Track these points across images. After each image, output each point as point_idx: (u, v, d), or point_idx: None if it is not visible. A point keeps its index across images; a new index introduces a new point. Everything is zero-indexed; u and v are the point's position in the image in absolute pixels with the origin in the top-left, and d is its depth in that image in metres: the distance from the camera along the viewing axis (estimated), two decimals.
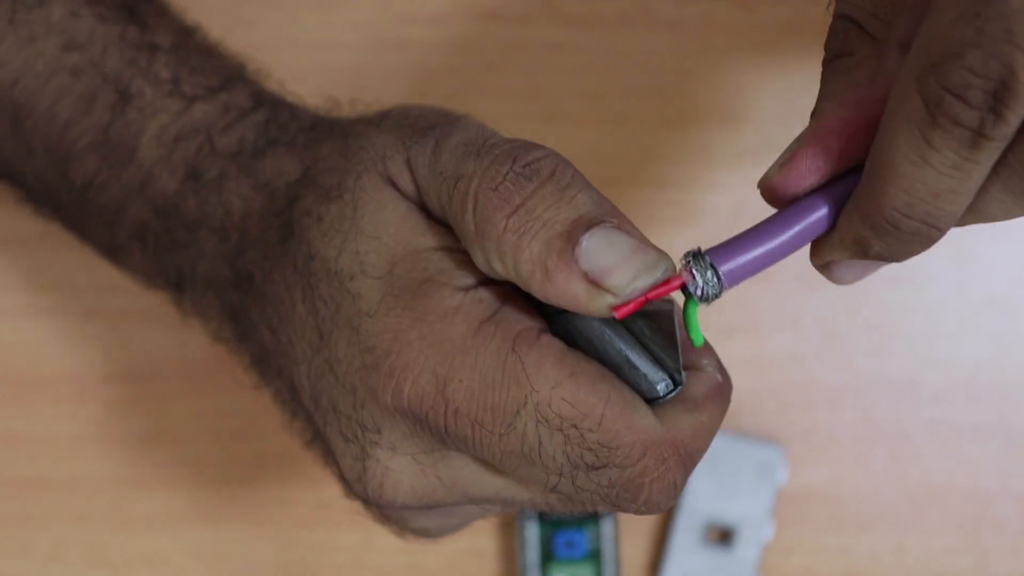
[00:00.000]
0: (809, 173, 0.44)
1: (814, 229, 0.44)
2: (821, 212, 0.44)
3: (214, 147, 0.54)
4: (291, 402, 0.53)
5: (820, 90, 0.45)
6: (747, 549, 0.68)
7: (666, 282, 0.44)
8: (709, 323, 0.69)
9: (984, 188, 0.42)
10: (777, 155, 0.45)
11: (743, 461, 0.67)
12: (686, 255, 0.44)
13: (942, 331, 0.69)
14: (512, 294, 0.46)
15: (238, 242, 0.53)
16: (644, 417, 0.45)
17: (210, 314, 0.55)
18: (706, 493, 0.68)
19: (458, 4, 0.68)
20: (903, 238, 0.43)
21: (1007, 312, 0.69)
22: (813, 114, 0.45)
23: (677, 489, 0.46)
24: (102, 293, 0.68)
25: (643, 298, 0.43)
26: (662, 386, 0.45)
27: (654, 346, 0.46)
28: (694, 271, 0.44)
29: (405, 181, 0.48)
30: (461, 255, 0.47)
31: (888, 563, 0.69)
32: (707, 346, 0.48)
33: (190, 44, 0.57)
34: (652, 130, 0.68)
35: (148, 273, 0.57)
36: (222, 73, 0.57)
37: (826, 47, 0.45)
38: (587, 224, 0.44)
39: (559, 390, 0.44)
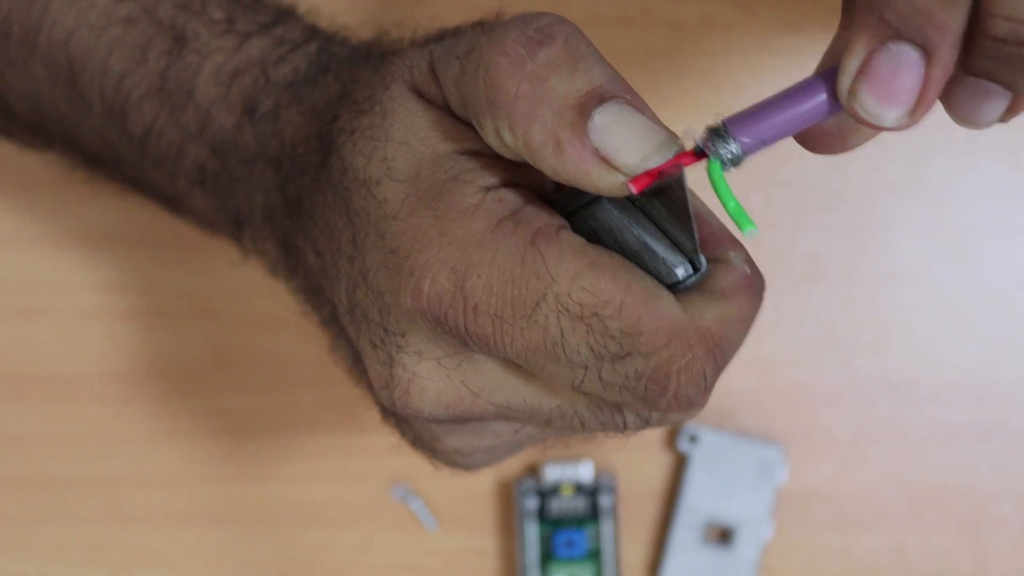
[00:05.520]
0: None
1: (819, 86, 0.42)
2: (828, 77, 0.42)
3: (269, 78, 0.54)
4: (333, 325, 0.52)
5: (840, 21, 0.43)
6: (747, 549, 0.68)
7: (680, 155, 0.43)
8: None
9: None
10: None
11: (743, 461, 0.67)
12: (705, 128, 0.43)
13: (942, 331, 0.69)
14: (533, 196, 0.45)
15: (288, 169, 0.52)
16: (667, 304, 0.43)
17: (267, 249, 0.55)
18: (706, 492, 0.68)
19: (458, 4, 0.68)
20: None
21: (1007, 312, 0.69)
22: (829, 45, 0.43)
23: (707, 380, 0.44)
24: (102, 293, 0.69)
25: (657, 170, 0.42)
26: (681, 270, 0.44)
27: (674, 230, 0.44)
28: (711, 140, 0.43)
29: (430, 85, 0.47)
30: (486, 157, 0.45)
31: (888, 562, 0.69)
32: (734, 241, 0.46)
33: None
34: None
35: (209, 217, 0.57)
36: (274, 10, 0.56)
37: None
38: (600, 98, 0.43)
39: (579, 280, 0.43)
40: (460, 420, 0.47)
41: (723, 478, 0.67)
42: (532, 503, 0.67)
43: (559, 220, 0.45)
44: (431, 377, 0.46)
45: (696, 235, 0.44)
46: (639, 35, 0.68)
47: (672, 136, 0.43)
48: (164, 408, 0.68)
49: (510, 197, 0.45)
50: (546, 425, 0.48)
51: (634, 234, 0.44)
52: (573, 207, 0.45)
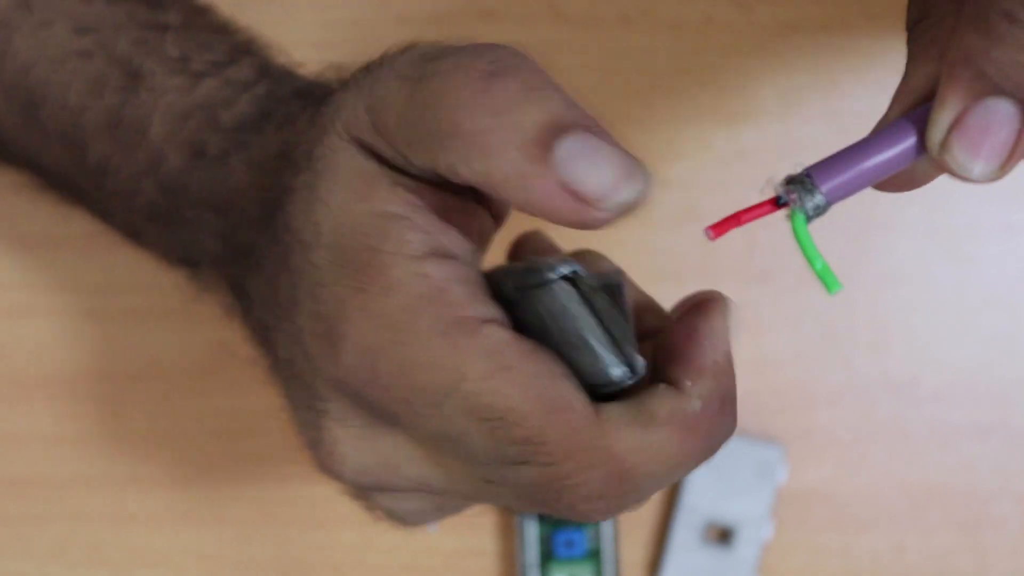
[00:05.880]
0: None
1: (908, 130, 0.42)
2: (916, 120, 0.42)
3: (217, 123, 0.53)
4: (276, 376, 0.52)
5: (907, 60, 0.43)
6: (747, 548, 0.68)
7: (761, 204, 0.42)
8: None
9: None
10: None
11: (743, 460, 0.67)
12: (787, 177, 0.42)
13: (942, 331, 0.69)
14: (466, 273, 0.43)
15: (235, 219, 0.52)
16: (576, 418, 0.42)
17: (221, 293, 0.55)
18: (706, 492, 0.68)
19: (458, 4, 0.68)
20: (1020, 40, 0.39)
21: (1007, 312, 0.69)
22: (902, 80, 0.43)
23: (606, 503, 0.42)
24: (102, 293, 0.68)
25: (740, 215, 0.42)
26: (616, 371, 0.42)
27: (615, 329, 0.43)
28: (794, 190, 0.42)
29: (366, 130, 0.44)
30: (417, 222, 0.43)
31: (888, 563, 0.69)
32: (712, 371, 0.44)
33: (200, 22, 0.57)
34: (652, 130, 0.68)
35: (166, 253, 0.57)
36: (230, 47, 0.55)
37: (907, 20, 0.43)
38: (560, 129, 0.40)
39: (490, 382, 0.41)
40: (378, 488, 0.47)
41: (723, 478, 0.67)
42: None
43: (484, 310, 0.43)
44: (351, 445, 0.46)
45: (633, 335, 0.42)
46: (639, 35, 0.68)
47: (638, 163, 0.41)
48: (164, 408, 0.68)
49: (435, 272, 0.43)
50: (461, 497, 0.47)
51: (576, 326, 0.42)
52: (523, 286, 0.43)
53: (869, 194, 0.69)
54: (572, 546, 0.67)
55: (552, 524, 0.67)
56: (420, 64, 0.42)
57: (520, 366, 0.42)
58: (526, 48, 0.69)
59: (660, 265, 0.69)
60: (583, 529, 0.67)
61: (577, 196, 0.40)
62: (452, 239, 0.44)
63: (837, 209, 0.69)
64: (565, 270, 0.42)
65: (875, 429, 0.69)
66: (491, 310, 0.43)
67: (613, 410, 0.42)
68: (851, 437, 0.69)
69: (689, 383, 0.43)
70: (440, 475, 0.45)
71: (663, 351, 0.44)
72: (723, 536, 0.68)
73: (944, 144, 0.41)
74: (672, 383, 0.43)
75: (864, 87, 0.68)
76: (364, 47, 0.69)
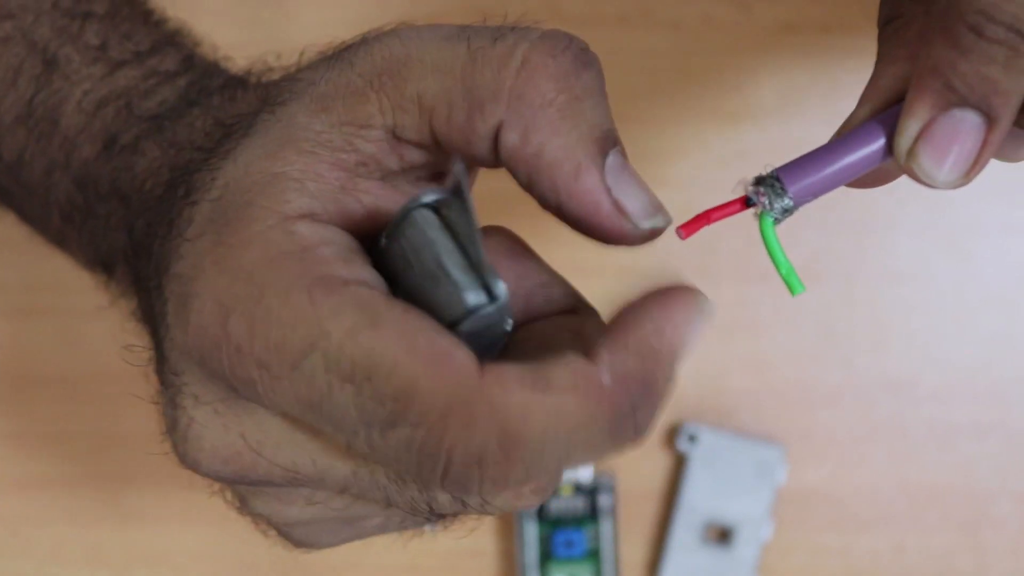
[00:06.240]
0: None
1: (877, 133, 0.43)
2: (884, 123, 0.43)
3: (132, 111, 0.51)
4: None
5: (876, 59, 0.44)
6: (746, 548, 0.68)
7: (730, 203, 0.43)
8: (710, 322, 0.69)
9: None
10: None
11: (742, 460, 0.67)
12: (756, 178, 0.43)
13: (941, 330, 0.69)
14: (343, 239, 0.40)
15: (137, 205, 0.49)
16: (458, 369, 0.37)
17: (130, 292, 0.50)
18: (705, 492, 0.68)
19: (458, 4, 0.68)
20: (986, 53, 0.39)
21: (1006, 311, 0.69)
22: (870, 80, 0.43)
23: (494, 475, 0.37)
24: (102, 293, 0.68)
25: (708, 214, 0.43)
26: (471, 295, 0.38)
27: (472, 251, 0.39)
28: (761, 189, 0.43)
29: (347, 90, 0.42)
30: (305, 184, 0.41)
31: (887, 562, 0.69)
32: (641, 353, 0.38)
33: (125, 12, 0.54)
34: (652, 130, 0.68)
35: (85, 257, 0.54)
36: (154, 38, 0.53)
37: (878, 20, 0.44)
38: (614, 140, 0.41)
39: (354, 335, 0.37)
40: (245, 480, 0.42)
41: (722, 478, 0.67)
42: None
43: (355, 272, 0.39)
44: (207, 425, 0.41)
45: (483, 256, 0.38)
46: (639, 35, 0.68)
47: (659, 202, 0.41)
48: None
49: (307, 232, 0.40)
50: (345, 495, 0.43)
51: (434, 253, 0.39)
52: (391, 231, 0.40)
53: (868, 194, 0.69)
54: (572, 546, 0.67)
55: (551, 524, 0.67)
56: (490, 32, 0.41)
57: (390, 321, 0.37)
58: None
59: (660, 265, 0.69)
60: (583, 529, 0.67)
61: (619, 206, 0.40)
62: (340, 209, 0.41)
63: (836, 209, 0.69)
64: (427, 199, 0.39)
65: (875, 429, 0.69)
66: (364, 274, 0.39)
67: (503, 367, 0.37)
68: (851, 437, 0.69)
69: (606, 354, 0.38)
70: (307, 457, 0.41)
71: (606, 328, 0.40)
72: (723, 536, 0.68)
73: (911, 152, 0.42)
74: (591, 355, 0.38)
75: (864, 87, 0.68)
76: None
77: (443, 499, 0.41)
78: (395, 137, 0.42)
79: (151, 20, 0.55)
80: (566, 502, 0.67)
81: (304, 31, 0.68)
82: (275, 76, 0.48)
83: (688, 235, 0.43)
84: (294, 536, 0.46)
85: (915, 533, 0.69)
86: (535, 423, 0.36)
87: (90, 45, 0.53)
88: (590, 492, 0.67)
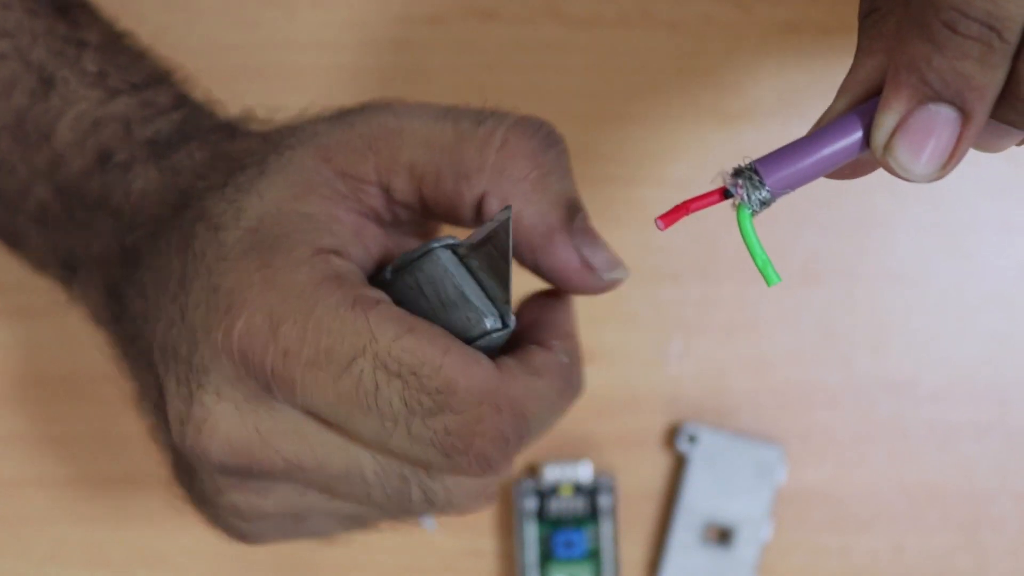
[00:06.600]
0: None
1: (855, 125, 0.43)
2: (861, 115, 0.43)
3: (131, 135, 0.55)
4: (145, 373, 0.53)
5: (856, 51, 0.44)
6: (746, 549, 0.68)
7: (708, 194, 0.44)
8: (710, 322, 0.69)
9: None
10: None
11: (742, 460, 0.67)
12: (734, 169, 0.43)
13: (941, 330, 0.69)
14: (359, 271, 0.48)
15: (130, 220, 0.54)
16: (483, 369, 0.46)
17: (94, 296, 0.56)
18: (705, 492, 0.68)
19: (457, 4, 0.68)
20: (960, 49, 0.40)
21: (1006, 310, 0.69)
22: (849, 72, 0.44)
23: (509, 446, 0.46)
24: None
25: (686, 205, 0.44)
26: (490, 321, 0.47)
27: (491, 287, 0.47)
28: (740, 180, 0.43)
29: (345, 149, 0.50)
30: (330, 226, 0.48)
31: (887, 563, 0.69)
32: (567, 336, 0.50)
33: (119, 45, 0.58)
34: (652, 130, 0.68)
35: (42, 257, 0.58)
36: (149, 72, 0.58)
37: (859, 12, 0.45)
38: (578, 207, 0.50)
39: (400, 341, 0.45)
40: (245, 472, 0.48)
41: (722, 478, 0.67)
42: (531, 503, 0.67)
43: (377, 294, 0.47)
44: (225, 418, 0.47)
45: (510, 292, 0.47)
46: (639, 35, 0.68)
47: (619, 258, 0.50)
48: None
49: (338, 262, 0.47)
50: (330, 493, 0.49)
51: (455, 284, 0.47)
52: (405, 263, 0.48)
53: (868, 194, 0.69)
54: (572, 546, 0.67)
55: (551, 524, 0.67)
56: (473, 114, 0.50)
57: (424, 330, 0.46)
58: (526, 48, 0.69)
59: (660, 265, 0.69)
60: (583, 529, 0.67)
61: (586, 262, 0.50)
62: (356, 249, 0.49)
63: (836, 209, 0.69)
64: (446, 243, 0.48)
65: (874, 429, 0.69)
66: (381, 295, 0.47)
67: (507, 362, 0.48)
68: (850, 437, 0.69)
69: (556, 343, 0.49)
70: (322, 448, 0.47)
71: (524, 325, 0.51)
72: (723, 536, 0.68)
73: (887, 146, 0.43)
74: (540, 345, 0.49)
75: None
76: (364, 47, 0.69)
77: (416, 493, 0.48)
78: (387, 196, 0.50)
79: (145, 56, 0.58)
80: (566, 502, 0.67)
81: (304, 31, 0.68)
82: (269, 125, 0.54)
83: (667, 225, 0.44)
84: (246, 529, 0.52)
85: (915, 533, 0.69)
86: (534, 405, 0.47)
87: (88, 71, 0.56)
88: (590, 492, 0.67)
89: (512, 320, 0.47)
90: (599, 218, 0.68)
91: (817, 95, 0.68)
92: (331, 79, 0.68)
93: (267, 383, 0.46)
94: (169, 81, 0.58)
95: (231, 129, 0.56)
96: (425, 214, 0.51)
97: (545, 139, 0.49)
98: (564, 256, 0.49)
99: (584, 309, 0.69)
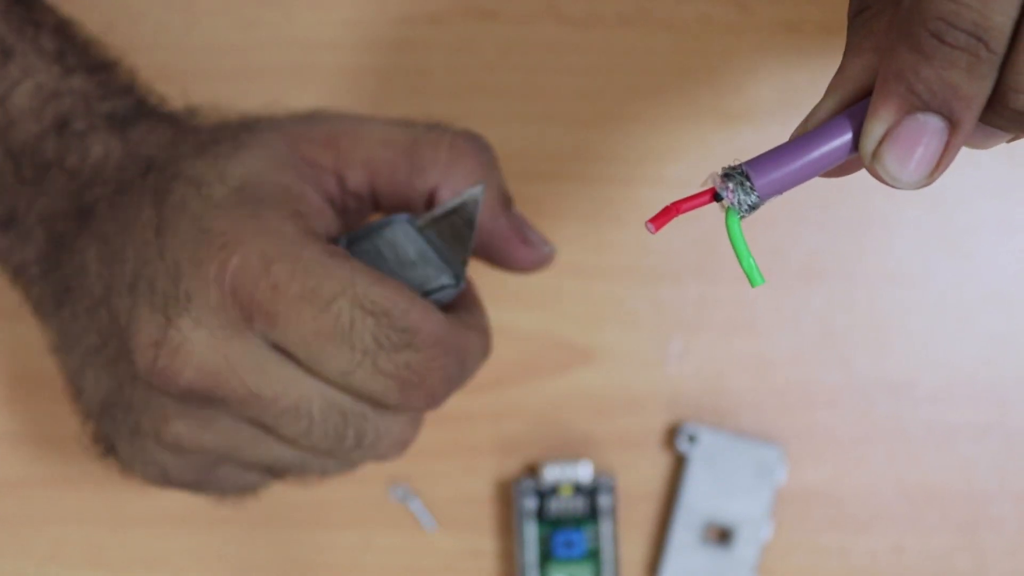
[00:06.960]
0: None
1: (844, 129, 0.44)
2: (851, 118, 0.44)
3: (89, 107, 0.59)
4: (81, 317, 0.56)
5: (845, 50, 0.45)
6: (746, 549, 0.68)
7: (698, 195, 0.44)
8: (709, 322, 0.69)
9: None
10: None
11: (742, 460, 0.68)
12: (724, 171, 0.44)
13: (940, 330, 0.69)
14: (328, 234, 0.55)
15: (89, 179, 0.58)
16: (439, 317, 0.53)
17: (25, 251, 0.59)
18: (705, 492, 0.68)
19: (457, 4, 0.68)
20: (947, 59, 0.41)
21: (1006, 311, 0.69)
22: (838, 70, 0.45)
23: (451, 386, 0.54)
24: None
25: (675, 207, 0.44)
26: (445, 277, 0.54)
27: (446, 252, 0.55)
28: (729, 183, 0.44)
29: (306, 138, 0.56)
30: (305, 196, 0.54)
31: (887, 563, 0.69)
32: (479, 305, 0.57)
33: (72, 30, 0.61)
34: (651, 130, 0.68)
35: None
36: (102, 59, 0.61)
37: (848, 11, 0.45)
38: (511, 200, 0.58)
39: (375, 287, 0.52)
40: (207, 396, 0.53)
41: (722, 478, 0.67)
42: (531, 503, 0.67)
43: (345, 251, 0.54)
44: (199, 343, 0.52)
45: (469, 255, 0.55)
46: (638, 35, 0.68)
47: (546, 237, 0.60)
48: None
49: (314, 224, 0.54)
50: (270, 431, 0.54)
51: (416, 247, 0.55)
52: (363, 232, 0.55)
53: (868, 194, 0.69)
54: (571, 546, 0.67)
55: (551, 524, 0.67)
56: (422, 123, 0.57)
57: (390, 280, 0.52)
58: (526, 48, 0.69)
59: (659, 265, 0.69)
60: (583, 529, 0.67)
61: (525, 238, 0.58)
62: (319, 223, 0.54)
63: (836, 209, 0.69)
64: (404, 216, 0.55)
65: (874, 429, 0.69)
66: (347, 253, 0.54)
67: (454, 314, 0.55)
68: (850, 437, 0.69)
69: (477, 310, 0.56)
70: (283, 380, 0.53)
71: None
72: (723, 536, 0.68)
73: (876, 154, 0.43)
74: (471, 308, 0.57)
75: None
76: (364, 47, 0.69)
77: (390, 393, 0.53)
78: (342, 186, 0.56)
79: (97, 43, 0.61)
80: (566, 502, 0.67)
81: (304, 31, 0.68)
82: (222, 117, 0.60)
83: (658, 228, 0.44)
84: (170, 464, 0.56)
85: (914, 533, 0.69)
86: (471, 352, 0.55)
87: (45, 49, 0.59)
88: (590, 492, 0.67)
89: (463, 278, 0.55)
90: (599, 218, 0.69)
91: (817, 95, 0.68)
92: (331, 79, 0.68)
93: (250, 314, 0.52)
94: (120, 68, 0.61)
95: (184, 115, 0.60)
96: (375, 206, 0.58)
97: (483, 144, 0.57)
98: (506, 232, 0.57)
99: (584, 309, 0.69)
